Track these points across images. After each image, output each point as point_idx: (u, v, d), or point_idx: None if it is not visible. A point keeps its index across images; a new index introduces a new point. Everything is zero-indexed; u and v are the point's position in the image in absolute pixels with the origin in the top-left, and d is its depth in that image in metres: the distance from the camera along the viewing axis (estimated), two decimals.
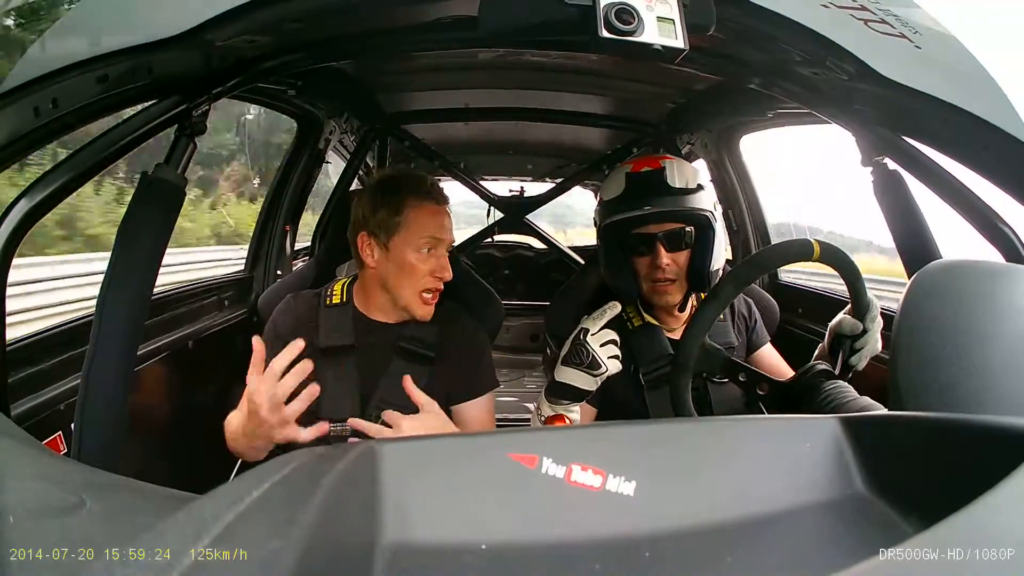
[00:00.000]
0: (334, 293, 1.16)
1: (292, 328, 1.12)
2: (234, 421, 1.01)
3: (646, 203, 1.00)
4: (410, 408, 1.07)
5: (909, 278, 0.55)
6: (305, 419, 1.13)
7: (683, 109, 1.77)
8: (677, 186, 1.02)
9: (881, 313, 0.89)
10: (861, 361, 0.89)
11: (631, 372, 1.07)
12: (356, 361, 1.09)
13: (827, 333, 0.93)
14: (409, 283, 1.05)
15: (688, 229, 1.03)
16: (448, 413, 1.14)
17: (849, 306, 0.89)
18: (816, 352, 0.95)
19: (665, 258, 1.02)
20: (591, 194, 3.49)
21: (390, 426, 0.93)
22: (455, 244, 1.18)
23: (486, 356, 1.19)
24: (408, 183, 1.08)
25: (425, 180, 1.09)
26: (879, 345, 0.89)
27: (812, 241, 0.82)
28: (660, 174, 1.03)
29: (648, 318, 1.12)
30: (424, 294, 1.05)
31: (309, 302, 1.16)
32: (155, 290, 0.84)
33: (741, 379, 0.90)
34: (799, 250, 0.83)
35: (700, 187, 1.04)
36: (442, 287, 1.06)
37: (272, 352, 1.15)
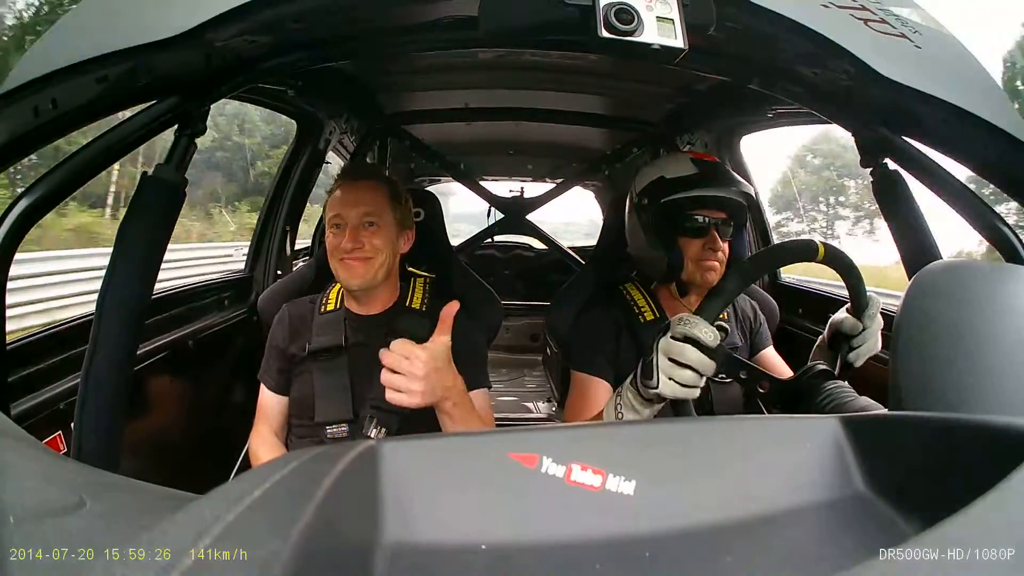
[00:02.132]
0: (328, 300, 1.19)
1: (286, 337, 1.15)
2: (260, 452, 1.12)
3: (717, 187, 1.05)
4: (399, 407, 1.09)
5: (910, 278, 0.55)
6: (301, 424, 1.15)
7: (683, 109, 1.77)
8: (736, 179, 1.07)
9: (881, 313, 0.89)
10: (859, 359, 0.89)
11: None
12: (347, 361, 1.12)
13: (827, 327, 0.93)
14: (332, 260, 1.10)
15: (731, 221, 1.08)
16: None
17: (849, 305, 0.89)
18: (816, 344, 0.95)
19: (720, 242, 1.06)
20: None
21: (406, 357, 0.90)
22: (455, 247, 1.20)
23: (479, 353, 1.20)
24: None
25: (347, 167, 1.14)
26: (879, 344, 0.89)
27: (817, 242, 0.83)
28: (723, 165, 1.09)
29: (682, 301, 1.13)
30: (341, 262, 1.08)
31: (304, 310, 1.20)
32: (156, 289, 0.84)
33: (742, 376, 0.90)
34: (804, 249, 0.84)
35: None
36: (354, 252, 1.08)
37: (271, 363, 1.17)
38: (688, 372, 0.72)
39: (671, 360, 0.73)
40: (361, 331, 1.14)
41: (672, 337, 0.73)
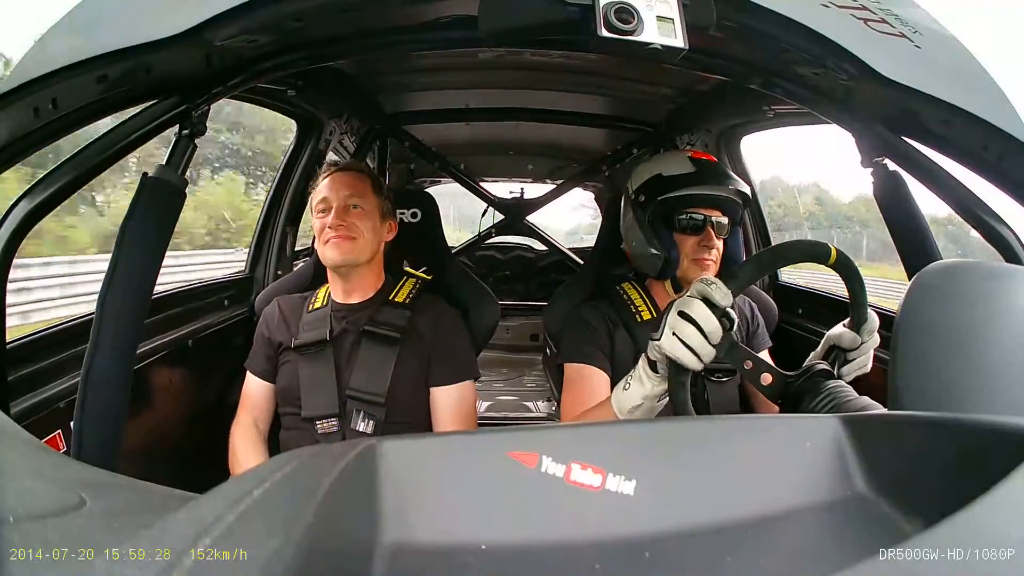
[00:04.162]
0: (316, 299, 1.23)
1: (275, 327, 1.18)
2: (239, 452, 1.13)
3: (714, 185, 1.06)
4: (375, 393, 1.10)
5: (909, 279, 0.55)
6: (287, 414, 1.16)
7: (683, 109, 1.77)
8: (733, 178, 1.08)
9: (880, 320, 0.89)
10: (851, 374, 0.89)
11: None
12: (331, 354, 1.15)
13: (823, 342, 0.93)
14: (319, 243, 1.14)
15: (728, 219, 1.09)
16: (424, 396, 1.16)
17: (849, 319, 0.89)
18: (808, 359, 0.95)
19: (717, 240, 1.07)
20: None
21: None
22: (454, 248, 1.23)
23: (460, 344, 1.22)
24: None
25: (331, 161, 1.24)
26: (870, 363, 0.89)
27: (831, 246, 0.84)
28: (720, 164, 1.10)
29: (677, 298, 1.12)
30: (327, 243, 1.12)
31: (295, 304, 1.23)
32: (156, 289, 0.84)
33: (746, 367, 0.90)
34: (818, 251, 0.84)
35: None
36: (339, 230, 1.12)
37: (259, 350, 1.19)
38: (692, 329, 0.71)
39: (680, 314, 0.72)
40: (344, 320, 1.17)
41: (688, 295, 0.74)
